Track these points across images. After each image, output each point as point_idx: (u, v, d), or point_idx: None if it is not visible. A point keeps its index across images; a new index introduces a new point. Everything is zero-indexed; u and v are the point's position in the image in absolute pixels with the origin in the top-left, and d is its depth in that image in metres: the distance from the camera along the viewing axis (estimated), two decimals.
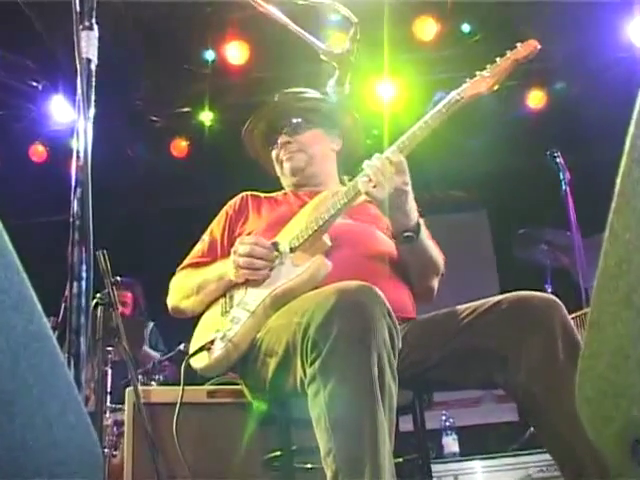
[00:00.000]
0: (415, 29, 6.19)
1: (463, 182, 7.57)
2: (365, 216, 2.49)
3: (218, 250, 2.61)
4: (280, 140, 2.73)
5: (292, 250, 2.31)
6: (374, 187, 2.16)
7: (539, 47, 2.26)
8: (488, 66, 2.32)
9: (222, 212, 2.74)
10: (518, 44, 2.30)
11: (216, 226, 2.70)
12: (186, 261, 2.69)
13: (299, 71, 5.80)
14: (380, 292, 1.82)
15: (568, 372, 1.83)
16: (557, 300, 2.06)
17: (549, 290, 5.25)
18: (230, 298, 2.39)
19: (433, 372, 2.18)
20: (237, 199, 2.76)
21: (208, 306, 2.50)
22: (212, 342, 2.26)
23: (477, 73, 2.32)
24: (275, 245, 2.33)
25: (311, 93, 2.77)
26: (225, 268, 2.41)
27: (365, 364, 1.69)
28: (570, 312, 2.12)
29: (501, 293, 2.15)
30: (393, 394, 1.74)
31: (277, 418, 2.23)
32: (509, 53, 2.30)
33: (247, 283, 2.34)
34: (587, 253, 4.46)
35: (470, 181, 7.40)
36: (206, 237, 2.69)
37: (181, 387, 2.39)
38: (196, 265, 2.63)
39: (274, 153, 2.79)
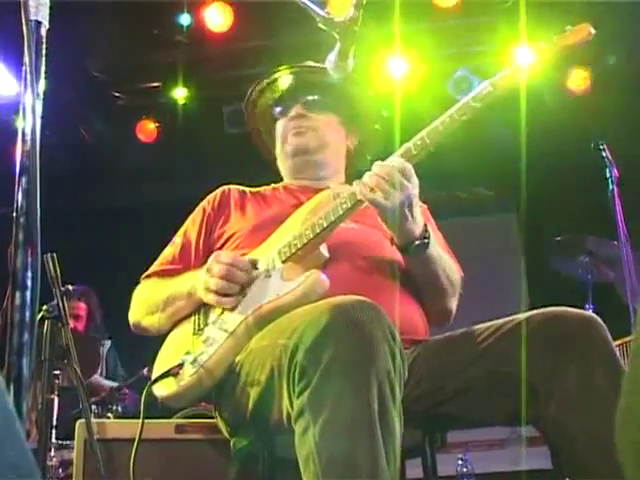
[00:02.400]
0: None
1: (489, 179, 7.58)
2: (370, 219, 2.49)
3: (192, 256, 2.61)
4: (295, 111, 2.73)
5: (283, 261, 2.30)
6: (383, 197, 2.17)
7: (593, 32, 2.26)
8: (531, 51, 2.33)
9: (198, 209, 2.73)
10: (568, 27, 2.29)
11: (191, 226, 2.69)
12: (153, 268, 2.68)
13: (292, 41, 5.82)
14: (383, 309, 1.82)
15: (609, 405, 1.83)
16: (596, 318, 2.06)
17: (590, 311, 5.25)
18: (204, 314, 2.39)
19: (448, 406, 2.18)
20: (217, 193, 2.76)
21: (176, 323, 2.50)
22: (180, 366, 2.25)
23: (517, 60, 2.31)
24: (254, 263, 2.33)
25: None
26: (197, 282, 2.40)
27: (363, 396, 1.69)
28: (616, 338, 2.13)
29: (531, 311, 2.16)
30: (397, 433, 1.74)
31: (260, 459, 2.23)
32: (556, 38, 2.30)
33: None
34: (638, 267, 4.47)
35: (497, 178, 7.42)
36: (178, 239, 2.68)
37: (141, 419, 2.38)
38: (164, 273, 2.63)
39: (281, 124, 2.79)
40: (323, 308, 1.82)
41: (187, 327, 2.42)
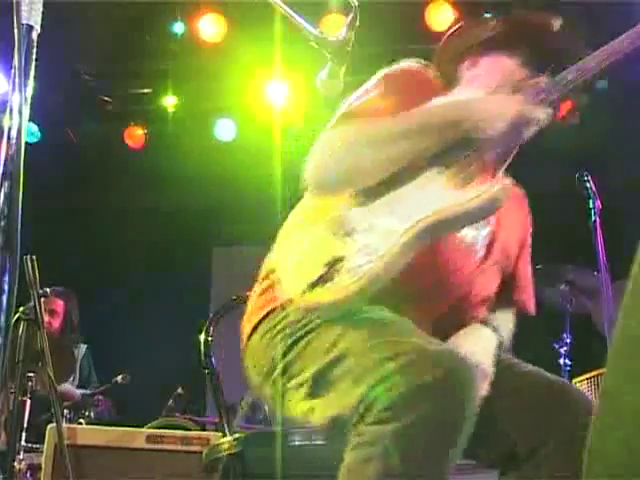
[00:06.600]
0: (428, 16, 6.24)
1: None
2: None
3: None
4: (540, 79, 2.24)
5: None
6: None
7: None
8: None
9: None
10: None
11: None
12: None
13: (284, 55, 5.82)
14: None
15: None
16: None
17: (567, 340, 5.26)
18: (342, 219, 2.10)
19: None
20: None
21: (309, 223, 2.18)
22: (332, 271, 2.01)
23: None
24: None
25: None
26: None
27: (440, 462, 1.73)
28: (591, 369, 2.14)
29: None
30: None
31: (231, 472, 2.22)
32: None
33: (368, 201, 2.08)
34: (617, 299, 4.47)
35: None
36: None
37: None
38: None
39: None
40: (431, 359, 1.79)
41: (319, 229, 2.12)
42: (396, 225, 1.99)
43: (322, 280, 1.99)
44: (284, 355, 2.01)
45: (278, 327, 2.05)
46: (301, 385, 1.97)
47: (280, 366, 2.02)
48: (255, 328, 2.12)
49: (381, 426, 1.74)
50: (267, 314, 2.09)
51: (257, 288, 2.20)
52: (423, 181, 2.06)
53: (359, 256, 1.99)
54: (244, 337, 2.17)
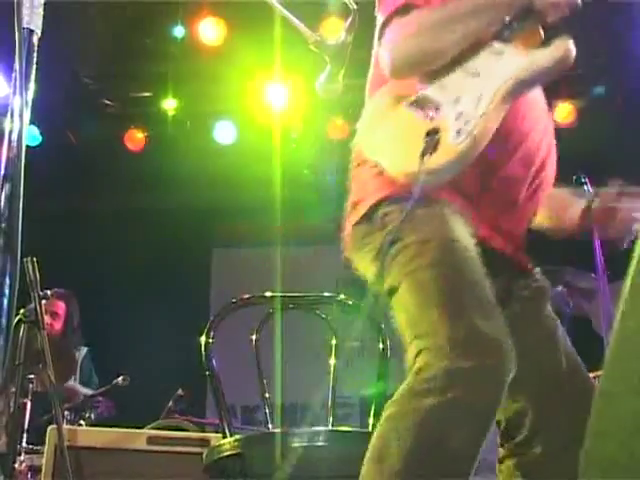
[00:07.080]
0: None
1: None
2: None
3: None
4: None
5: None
6: None
7: None
8: None
9: None
10: None
11: None
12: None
13: (284, 58, 5.83)
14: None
15: None
16: None
17: None
18: (425, 96, 2.10)
19: None
20: None
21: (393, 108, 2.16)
22: (433, 140, 2.00)
23: None
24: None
25: None
26: None
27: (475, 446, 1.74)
28: (589, 371, 2.13)
29: None
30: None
31: (232, 472, 2.22)
32: None
33: (438, 78, 2.10)
34: (615, 301, 4.45)
35: None
36: None
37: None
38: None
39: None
40: (482, 346, 1.80)
41: (405, 111, 2.11)
42: (482, 92, 2.01)
43: (427, 150, 1.96)
44: (380, 255, 2.00)
45: (385, 220, 2.04)
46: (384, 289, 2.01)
47: (377, 263, 2.02)
48: (372, 208, 2.09)
49: (418, 398, 1.74)
50: (381, 200, 2.07)
51: (368, 171, 2.14)
52: (490, 53, 2.09)
53: (457, 123, 1.99)
54: (357, 213, 2.13)
